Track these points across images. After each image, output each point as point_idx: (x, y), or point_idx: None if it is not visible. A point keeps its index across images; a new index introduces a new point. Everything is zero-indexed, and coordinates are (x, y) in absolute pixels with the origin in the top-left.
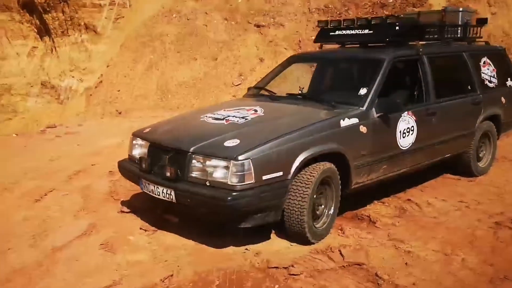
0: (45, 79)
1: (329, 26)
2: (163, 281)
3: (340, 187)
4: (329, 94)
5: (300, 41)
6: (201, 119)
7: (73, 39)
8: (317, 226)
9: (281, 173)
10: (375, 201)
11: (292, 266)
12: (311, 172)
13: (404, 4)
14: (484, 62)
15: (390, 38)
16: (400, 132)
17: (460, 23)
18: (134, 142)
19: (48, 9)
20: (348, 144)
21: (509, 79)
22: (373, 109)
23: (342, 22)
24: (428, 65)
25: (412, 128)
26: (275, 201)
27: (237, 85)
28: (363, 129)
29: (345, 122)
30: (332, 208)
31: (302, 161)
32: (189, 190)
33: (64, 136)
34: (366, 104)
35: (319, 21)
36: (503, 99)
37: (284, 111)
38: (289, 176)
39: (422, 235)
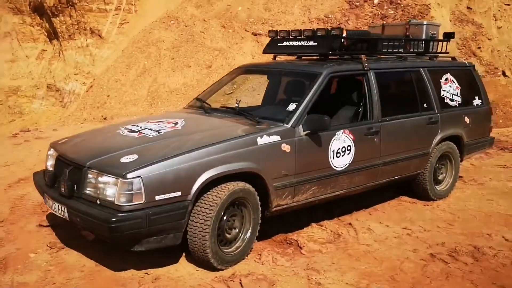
0: (51, 82)
1: (278, 37)
2: None
3: (261, 209)
4: (260, 109)
5: None
6: (117, 131)
7: (79, 43)
8: (227, 251)
9: (179, 193)
10: (313, 224)
11: None
12: (217, 193)
13: (405, 15)
14: (446, 79)
15: (336, 51)
16: (334, 151)
17: (424, 36)
18: (49, 152)
19: (56, 13)
20: (266, 163)
21: (476, 97)
22: (300, 126)
23: (290, 32)
24: (374, 81)
25: (349, 148)
26: (171, 223)
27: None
28: (285, 147)
29: (263, 140)
30: (249, 231)
31: (205, 180)
32: (78, 208)
33: (32, 141)
34: (292, 121)
35: (269, 31)
36: (466, 119)
37: (204, 126)
38: (190, 197)
39: (344, 264)
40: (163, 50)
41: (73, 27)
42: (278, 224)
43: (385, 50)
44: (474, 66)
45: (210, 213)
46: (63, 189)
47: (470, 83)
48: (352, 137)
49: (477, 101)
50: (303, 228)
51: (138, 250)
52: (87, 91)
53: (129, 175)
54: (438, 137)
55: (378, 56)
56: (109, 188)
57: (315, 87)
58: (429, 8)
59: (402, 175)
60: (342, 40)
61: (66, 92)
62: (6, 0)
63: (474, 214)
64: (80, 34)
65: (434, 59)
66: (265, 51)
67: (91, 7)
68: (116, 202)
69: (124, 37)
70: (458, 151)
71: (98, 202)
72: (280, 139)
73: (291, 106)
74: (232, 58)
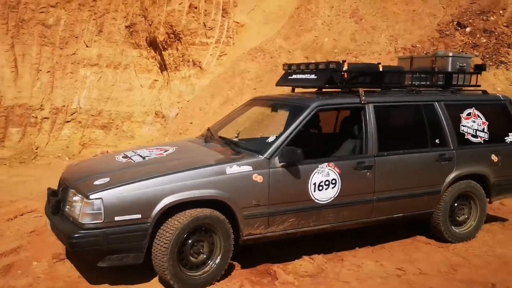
0: (159, 109)
1: (291, 70)
2: None
3: (233, 236)
4: (253, 140)
5: None
6: (114, 157)
7: (182, 74)
8: (192, 274)
9: (139, 216)
10: (304, 256)
11: None
12: (179, 218)
13: (499, 44)
14: (468, 114)
15: (337, 84)
16: (315, 184)
17: (450, 69)
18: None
19: (166, 46)
20: (234, 192)
21: (511, 134)
22: (277, 158)
23: (299, 66)
24: (372, 115)
25: (334, 181)
26: (131, 243)
27: None
28: (257, 178)
29: (232, 170)
30: (219, 258)
31: (166, 205)
32: (55, 224)
33: None
34: (267, 152)
35: (284, 64)
36: (493, 157)
37: (187, 154)
38: (150, 220)
39: None
40: (246, 81)
41: (178, 59)
42: (273, 253)
43: (396, 83)
44: (510, 100)
45: (170, 237)
46: (50, 206)
47: (504, 118)
48: (337, 171)
49: (511, 138)
50: (294, 260)
51: (102, 266)
52: (174, 118)
53: (91, 196)
54: (452, 175)
55: (385, 89)
56: (77, 207)
57: (299, 119)
58: None
59: (406, 213)
60: (342, 73)
61: (169, 118)
62: (128, 36)
63: (490, 261)
64: (184, 66)
65: (458, 92)
66: (277, 84)
67: (194, 40)
68: (80, 220)
69: (221, 68)
70: (483, 191)
71: (71, 219)
72: (251, 169)
73: (271, 138)
74: None
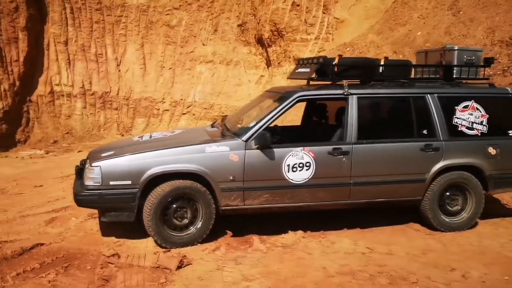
0: None
1: (299, 64)
2: (29, 250)
3: (214, 206)
4: (241, 127)
5: None
6: (132, 137)
7: (284, 70)
8: (175, 234)
9: (129, 182)
10: (289, 231)
11: (118, 256)
12: (163, 186)
13: None
14: (465, 106)
15: (329, 76)
16: (289, 166)
17: (455, 62)
18: None
19: (270, 43)
20: (211, 168)
21: None
22: (253, 141)
23: (303, 60)
24: (354, 105)
25: (308, 164)
26: (123, 204)
27: None
28: (233, 157)
29: (211, 149)
30: (200, 223)
31: (152, 175)
32: (74, 185)
33: None
34: (245, 136)
35: (296, 59)
36: (491, 150)
37: (185, 136)
38: (138, 186)
39: (263, 263)
40: None
41: (281, 55)
42: (269, 228)
43: (395, 76)
44: None
45: (153, 201)
46: (76, 173)
47: (507, 112)
48: (312, 155)
49: None
50: (281, 234)
51: (104, 221)
52: None
53: (93, 164)
54: (439, 165)
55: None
56: (86, 172)
57: (278, 108)
58: None
59: (388, 198)
60: (332, 67)
61: None
62: (240, 34)
63: (468, 249)
64: (285, 62)
65: (459, 85)
66: (288, 77)
67: (295, 37)
68: (85, 182)
69: None
70: (479, 183)
71: (82, 183)
72: (229, 149)
73: (252, 123)
74: None
